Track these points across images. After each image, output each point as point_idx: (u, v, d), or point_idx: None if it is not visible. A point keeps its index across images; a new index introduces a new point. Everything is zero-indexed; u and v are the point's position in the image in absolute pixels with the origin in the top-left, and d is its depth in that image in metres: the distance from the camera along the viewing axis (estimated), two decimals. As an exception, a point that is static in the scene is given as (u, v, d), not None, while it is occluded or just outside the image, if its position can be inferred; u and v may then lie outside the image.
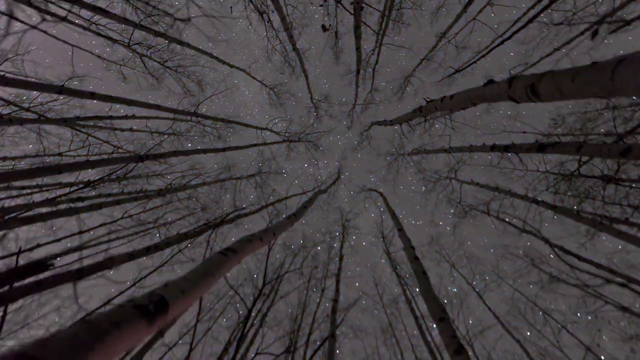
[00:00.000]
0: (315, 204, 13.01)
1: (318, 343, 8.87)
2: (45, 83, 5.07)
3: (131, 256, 4.29)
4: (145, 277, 9.76)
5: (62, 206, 7.21)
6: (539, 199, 7.84)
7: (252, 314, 9.36)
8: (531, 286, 11.68)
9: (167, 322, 1.60)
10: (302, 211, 4.98)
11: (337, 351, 12.15)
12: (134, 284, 9.44)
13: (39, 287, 3.54)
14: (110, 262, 4.07)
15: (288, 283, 11.70)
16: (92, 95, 5.68)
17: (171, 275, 9.88)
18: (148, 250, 4.66)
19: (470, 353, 10.51)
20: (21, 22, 7.74)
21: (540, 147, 5.29)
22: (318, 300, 10.04)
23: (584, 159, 7.46)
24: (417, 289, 11.76)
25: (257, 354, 5.56)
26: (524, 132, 5.83)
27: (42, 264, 3.88)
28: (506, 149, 6.16)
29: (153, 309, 1.48)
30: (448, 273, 12.88)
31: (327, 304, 9.46)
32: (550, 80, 1.99)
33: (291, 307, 10.64)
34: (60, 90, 5.21)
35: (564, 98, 1.98)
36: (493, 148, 6.60)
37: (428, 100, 4.16)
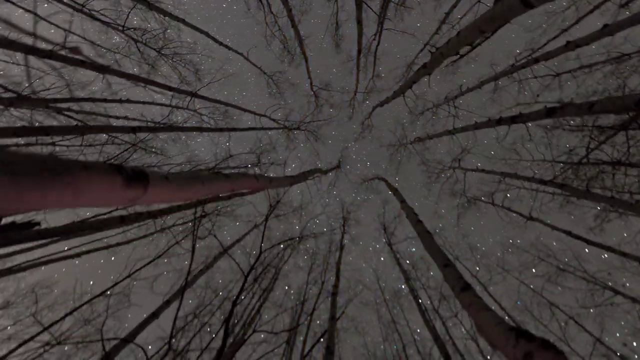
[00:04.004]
0: (315, 199, 12.83)
1: (319, 334, 8.56)
2: (34, 46, 4.89)
3: (122, 219, 4.06)
4: (141, 268, 9.48)
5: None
6: (546, 179, 7.60)
7: (253, 302, 9.08)
8: (536, 276, 11.40)
9: (146, 199, 1.37)
10: (300, 177, 4.81)
11: (338, 347, 11.81)
12: (129, 275, 9.15)
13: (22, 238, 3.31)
14: (100, 224, 3.84)
15: (288, 275, 11.46)
16: (82, 63, 5.49)
17: (168, 267, 9.68)
18: (140, 215, 4.43)
19: (475, 349, 10.18)
20: (13, 3, 7.61)
21: (549, 112, 5.08)
22: (318, 291, 9.75)
23: (592, 145, 7.24)
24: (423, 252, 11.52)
25: (254, 331, 5.28)
26: (535, 77, 5.59)
27: (27, 223, 3.63)
28: (513, 120, 5.95)
29: (130, 172, 1.26)
30: (451, 266, 12.54)
31: (328, 291, 9.18)
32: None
33: (291, 297, 10.36)
34: (50, 54, 5.02)
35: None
36: (499, 122, 6.40)
37: (432, 50, 3.94)
